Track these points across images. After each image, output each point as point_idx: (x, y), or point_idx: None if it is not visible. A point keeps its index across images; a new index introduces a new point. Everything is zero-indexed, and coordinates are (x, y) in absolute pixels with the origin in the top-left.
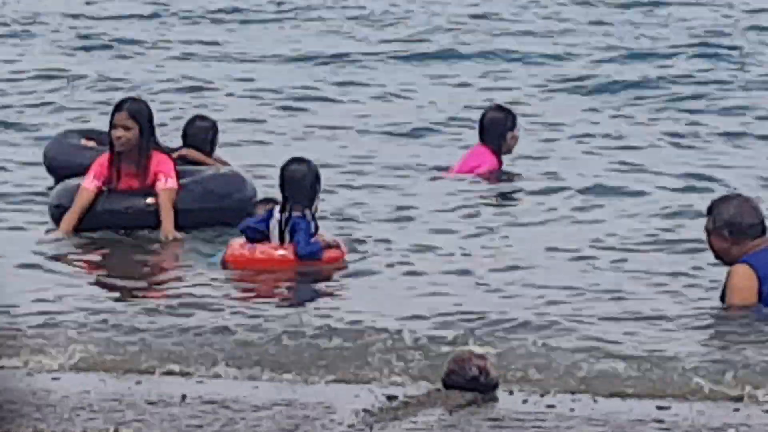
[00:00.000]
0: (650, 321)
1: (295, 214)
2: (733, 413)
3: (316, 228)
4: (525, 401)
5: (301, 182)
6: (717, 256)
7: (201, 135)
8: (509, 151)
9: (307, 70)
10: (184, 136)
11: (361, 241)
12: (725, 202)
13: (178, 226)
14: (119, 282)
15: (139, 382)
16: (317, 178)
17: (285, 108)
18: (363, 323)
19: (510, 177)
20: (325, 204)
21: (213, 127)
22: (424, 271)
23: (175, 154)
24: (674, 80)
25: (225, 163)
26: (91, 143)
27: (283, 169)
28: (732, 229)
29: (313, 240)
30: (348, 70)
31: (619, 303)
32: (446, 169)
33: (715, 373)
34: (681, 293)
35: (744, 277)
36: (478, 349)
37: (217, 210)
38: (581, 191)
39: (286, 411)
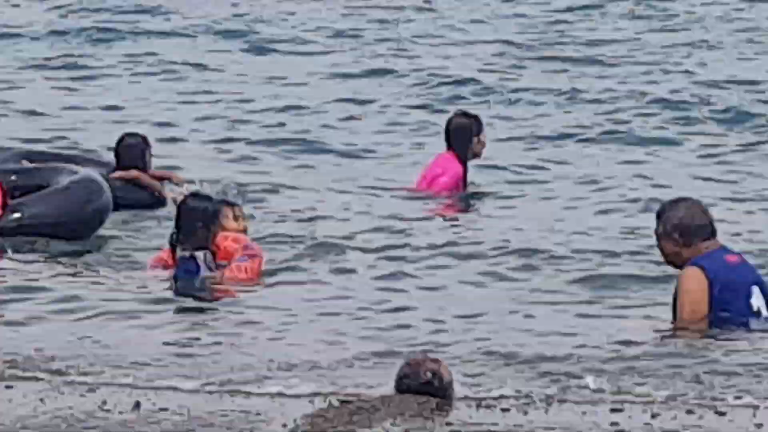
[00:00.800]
0: (604, 326)
1: (182, 253)
2: (687, 415)
3: (210, 269)
4: (479, 406)
5: (187, 218)
6: (668, 261)
7: (131, 152)
8: (478, 156)
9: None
10: (117, 157)
11: (329, 259)
12: (674, 205)
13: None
14: (62, 289)
15: (92, 390)
16: (210, 219)
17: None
18: (319, 332)
19: (474, 185)
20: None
21: (143, 143)
22: (381, 284)
23: (115, 175)
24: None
25: (164, 177)
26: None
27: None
28: (682, 232)
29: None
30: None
31: (575, 308)
32: (411, 182)
33: (670, 378)
34: (636, 298)
35: (695, 280)
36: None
37: (63, 224)
38: (544, 200)
39: (240, 418)
